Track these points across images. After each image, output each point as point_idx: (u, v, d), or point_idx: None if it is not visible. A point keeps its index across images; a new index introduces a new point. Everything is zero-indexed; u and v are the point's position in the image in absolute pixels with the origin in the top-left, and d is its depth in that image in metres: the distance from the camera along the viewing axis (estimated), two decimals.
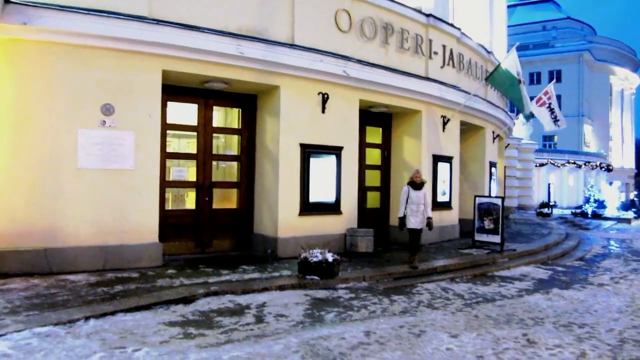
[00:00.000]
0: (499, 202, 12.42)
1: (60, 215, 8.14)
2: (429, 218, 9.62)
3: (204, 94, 10.34)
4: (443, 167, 13.92)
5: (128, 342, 5.16)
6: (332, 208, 11.08)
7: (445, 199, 14.11)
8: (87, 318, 5.80)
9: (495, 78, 13.44)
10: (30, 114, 7.99)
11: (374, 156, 13.52)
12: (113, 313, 6.06)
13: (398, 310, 6.76)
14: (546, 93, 14.76)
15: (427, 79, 12.93)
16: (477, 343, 5.44)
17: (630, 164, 62.65)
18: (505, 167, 23.58)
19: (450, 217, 14.33)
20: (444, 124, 13.79)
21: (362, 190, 12.69)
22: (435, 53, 13.35)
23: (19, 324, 5.45)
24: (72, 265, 8.11)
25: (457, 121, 14.41)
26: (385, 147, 13.72)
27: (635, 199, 48.97)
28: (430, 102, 13.15)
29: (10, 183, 7.89)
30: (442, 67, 13.61)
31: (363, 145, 12.77)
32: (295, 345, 5.19)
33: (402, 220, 9.65)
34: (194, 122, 10.45)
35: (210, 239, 10.56)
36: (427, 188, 10.06)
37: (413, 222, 9.52)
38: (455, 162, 14.62)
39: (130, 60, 8.55)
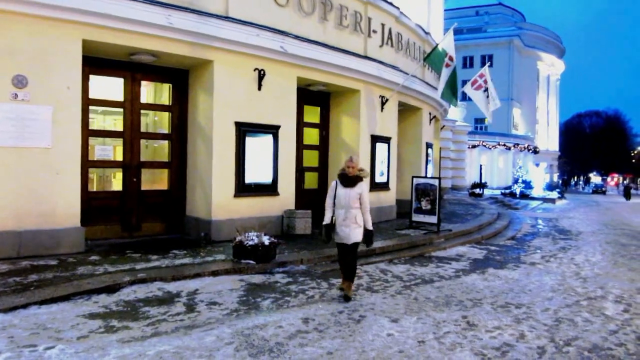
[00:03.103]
0: (435, 182, 12.48)
1: None
2: (368, 231, 6.45)
3: (131, 67, 9.62)
4: (381, 147, 13.83)
5: (40, 338, 4.63)
6: (269, 189, 10.71)
7: (383, 179, 14.06)
8: None
9: (433, 59, 13.43)
10: None
11: (312, 136, 13.23)
12: (25, 306, 5.46)
13: (337, 295, 6.53)
14: (482, 76, 14.88)
15: (366, 57, 12.72)
16: (418, 327, 5.29)
17: (555, 146, 65.95)
18: (440, 148, 23.96)
19: (387, 198, 14.31)
20: (383, 104, 13.66)
21: (300, 170, 12.38)
22: (374, 31, 13.14)
23: None
24: None
25: (395, 101, 14.32)
26: (324, 127, 13.45)
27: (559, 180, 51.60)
28: (368, 81, 12.96)
29: None
30: (380, 46, 13.43)
31: (301, 124, 12.45)
32: (228, 336, 4.85)
33: (328, 229, 6.50)
34: (120, 97, 9.72)
35: (139, 222, 9.94)
36: (366, 183, 6.76)
37: (341, 234, 6.39)
38: (393, 142, 14.58)
39: (46, 28, 7.74)
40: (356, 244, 6.44)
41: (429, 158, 17.86)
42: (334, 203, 6.46)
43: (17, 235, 7.64)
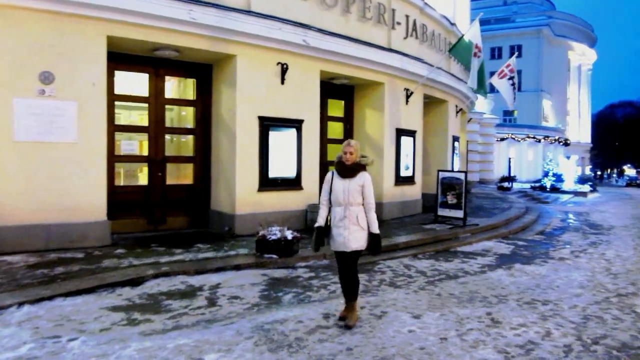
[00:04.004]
0: (461, 176, 12.28)
1: None
2: (373, 236, 5.06)
3: (155, 62, 9.71)
4: (406, 141, 13.67)
5: (64, 330, 4.71)
6: (293, 183, 10.69)
7: (409, 173, 13.91)
8: (20, 304, 5.31)
9: (458, 50, 13.20)
10: None
11: (336, 130, 13.16)
12: (51, 298, 5.56)
13: (359, 290, 6.46)
14: (508, 66, 14.58)
15: (390, 50, 12.56)
16: (440, 324, 5.21)
17: (587, 138, 64.36)
18: (467, 141, 23.63)
19: (413, 192, 14.16)
20: (407, 97, 13.49)
21: (324, 164, 12.32)
22: (398, 23, 12.97)
23: None
24: (12, 246, 7.51)
25: (420, 94, 14.14)
26: (348, 121, 13.37)
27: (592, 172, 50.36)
28: (392, 74, 12.81)
29: None
30: (405, 38, 13.24)
31: (324, 118, 12.39)
32: (248, 330, 4.84)
33: (321, 233, 5.22)
34: (144, 92, 9.82)
35: (164, 216, 10.04)
36: (368, 175, 5.21)
37: (338, 239, 5.08)
38: (419, 136, 14.40)
39: (71, 25, 7.86)
40: (357, 253, 5.08)
41: (455, 151, 17.61)
42: (330, 199, 5.19)
43: (45, 228, 7.80)
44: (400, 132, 13.35)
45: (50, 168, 7.83)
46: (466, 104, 19.38)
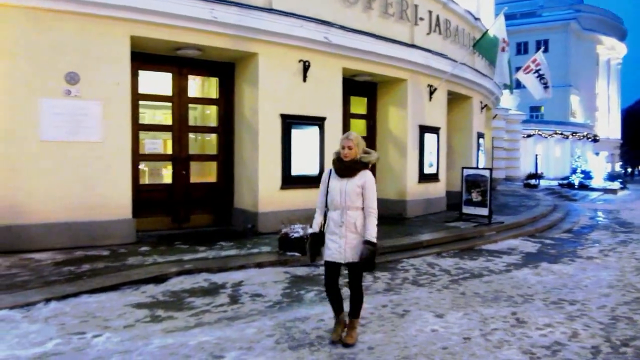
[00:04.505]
0: (486, 173, 12.11)
1: (24, 191, 7.67)
2: (368, 244, 4.27)
3: (178, 62, 9.79)
4: (430, 138, 13.54)
5: (89, 326, 4.77)
6: (315, 181, 10.57)
7: (432, 170, 13.77)
8: (47, 300, 5.40)
9: (482, 45, 13.04)
10: None
11: (358, 127, 13.09)
12: (76, 294, 5.65)
13: (381, 288, 6.44)
14: (534, 60, 14.33)
15: (413, 46, 12.44)
16: (463, 323, 5.12)
17: (616, 134, 62.84)
18: (492, 138, 23.30)
19: (437, 190, 14.01)
20: (431, 93, 13.35)
21: None
22: (421, 19, 12.83)
23: None
24: (39, 243, 7.67)
25: (444, 90, 13.98)
26: (371, 118, 13.30)
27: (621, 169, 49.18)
28: (416, 70, 12.69)
29: None
30: (428, 33, 13.10)
31: (347, 115, 12.34)
32: (269, 328, 4.84)
33: (315, 241, 4.56)
34: (168, 92, 9.92)
35: (188, 214, 10.13)
36: (371, 175, 4.49)
37: (332, 248, 4.39)
38: (443, 132, 14.25)
39: (96, 26, 7.98)
40: (357, 266, 4.35)
41: (480, 148, 17.38)
42: (327, 202, 4.48)
43: (71, 226, 7.94)
44: (423, 129, 13.22)
45: (76, 167, 7.96)
46: (491, 100, 19.10)
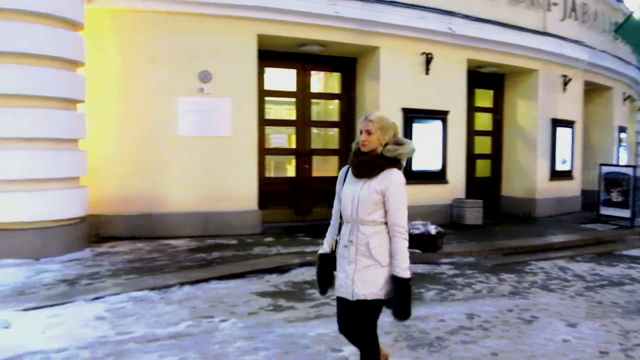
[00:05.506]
0: (629, 171, 10.99)
1: (163, 182, 8.34)
2: (398, 281, 2.86)
3: (301, 58, 10.06)
4: (563, 132, 12.60)
5: (217, 311, 5.06)
6: (437, 177, 10.43)
7: (566, 167, 12.81)
8: (181, 284, 5.82)
9: (626, 30, 11.82)
10: (133, 83, 8.18)
11: (483, 121, 12.56)
12: (207, 280, 6.03)
13: (507, 291, 6.10)
14: None
15: (544, 33, 11.62)
16: (600, 335, 4.67)
17: None
18: (637, 132, 21.14)
19: (570, 188, 13.00)
20: (564, 84, 12.40)
21: (471, 157, 11.82)
22: (555, 4, 11.94)
23: (117, 287, 5.58)
24: (175, 231, 8.31)
25: (579, 81, 12.92)
26: (497, 111, 12.68)
27: None
28: (547, 59, 11.86)
29: (118, 152, 8.19)
30: (562, 19, 12.17)
31: (471, 109, 11.87)
32: (387, 325, 4.76)
33: (325, 264, 3.20)
34: (292, 87, 10.24)
35: (310, 206, 10.39)
36: (400, 176, 2.98)
37: (340, 278, 3.04)
38: (578, 126, 13.20)
39: (225, 26, 8.45)
40: (369, 305, 2.92)
41: (622, 143, 15.82)
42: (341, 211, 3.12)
43: (203, 216, 8.50)
44: (556, 123, 12.33)
45: (207, 160, 8.50)
46: (636, 90, 17.29)
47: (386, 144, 2.98)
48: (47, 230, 6.84)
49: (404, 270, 2.86)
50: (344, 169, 3.17)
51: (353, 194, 2.98)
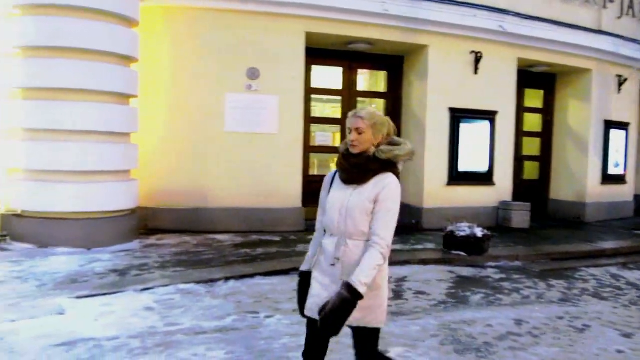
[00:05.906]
0: None
1: (209, 177, 8.48)
2: (348, 290, 2.31)
3: (348, 56, 10.02)
4: (617, 134, 12.14)
5: (262, 307, 5.11)
6: (484, 178, 10.23)
7: (619, 171, 12.35)
8: (227, 278, 5.89)
9: None
10: (182, 79, 8.34)
11: (533, 122, 12.23)
12: (252, 275, 6.09)
13: (557, 298, 5.92)
14: None
15: (600, 32, 11.21)
16: None
17: None
18: None
19: (623, 193, 12.53)
20: (620, 84, 11.94)
21: (519, 159, 11.55)
22: (611, 1, 11.50)
23: (165, 279, 5.71)
24: (220, 225, 8.43)
25: (635, 81, 12.43)
26: (547, 112, 12.32)
27: None
28: (602, 59, 11.44)
29: (166, 146, 8.38)
30: (619, 17, 11.71)
31: (521, 109, 11.58)
32: (434, 327, 4.73)
33: (305, 280, 2.72)
34: (338, 86, 10.22)
35: None
36: (394, 181, 2.47)
37: (313, 295, 2.58)
38: (633, 129, 12.70)
39: (274, 23, 8.51)
40: (364, 331, 2.56)
41: None
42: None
43: (248, 211, 8.60)
44: (609, 125, 11.89)
45: (253, 157, 8.58)
46: None
47: (379, 145, 2.57)
48: (98, 221, 7.08)
49: (362, 285, 2.33)
50: (330, 173, 2.74)
51: (341, 203, 2.54)
